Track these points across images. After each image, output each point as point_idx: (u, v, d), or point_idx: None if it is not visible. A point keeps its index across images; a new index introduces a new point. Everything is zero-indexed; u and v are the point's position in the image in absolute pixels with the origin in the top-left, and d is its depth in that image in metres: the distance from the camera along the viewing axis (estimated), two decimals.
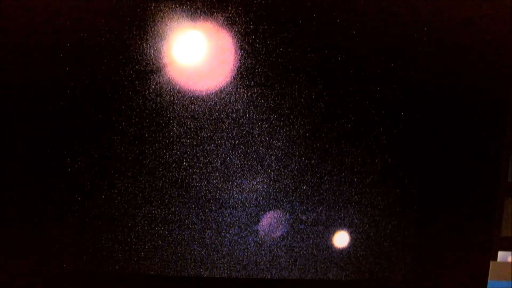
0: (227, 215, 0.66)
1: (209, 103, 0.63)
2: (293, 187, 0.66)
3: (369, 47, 0.62)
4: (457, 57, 0.63)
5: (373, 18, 0.61)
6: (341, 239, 0.68)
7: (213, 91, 0.62)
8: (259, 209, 0.66)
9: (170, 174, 0.64)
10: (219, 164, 0.64)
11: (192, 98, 0.62)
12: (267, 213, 0.66)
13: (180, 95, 0.62)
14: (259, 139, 0.64)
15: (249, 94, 0.63)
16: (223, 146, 0.64)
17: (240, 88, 0.62)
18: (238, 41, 0.61)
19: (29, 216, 0.65)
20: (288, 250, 0.68)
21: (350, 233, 0.68)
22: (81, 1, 0.59)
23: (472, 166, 0.66)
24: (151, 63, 0.61)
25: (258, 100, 0.63)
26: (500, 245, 0.71)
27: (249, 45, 0.61)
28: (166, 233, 0.66)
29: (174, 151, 0.64)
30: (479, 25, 0.62)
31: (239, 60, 0.62)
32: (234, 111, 0.63)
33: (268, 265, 0.68)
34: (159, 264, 0.67)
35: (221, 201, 0.65)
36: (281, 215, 0.66)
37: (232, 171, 0.65)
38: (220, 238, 0.67)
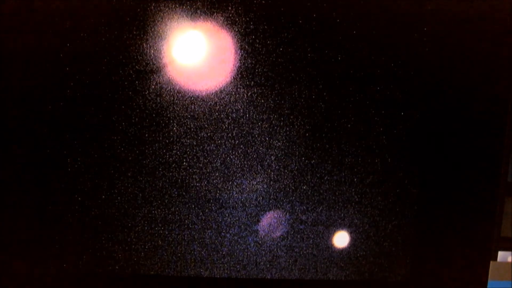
0: (227, 215, 0.66)
1: (209, 103, 0.63)
2: (293, 187, 0.66)
3: (369, 47, 0.62)
4: (457, 57, 0.63)
5: (373, 18, 0.61)
6: (341, 239, 0.68)
7: (213, 91, 0.62)
8: (259, 209, 0.66)
9: (170, 174, 0.64)
10: (219, 164, 0.64)
11: (192, 98, 0.62)
12: (267, 213, 0.66)
13: (180, 95, 0.62)
14: (259, 139, 0.64)
15: (249, 94, 0.63)
16: (223, 146, 0.64)
17: (240, 88, 0.62)
18: (238, 41, 0.61)
19: (29, 216, 0.65)
20: (288, 250, 0.68)
21: (350, 233, 0.68)
22: (81, 1, 0.59)
23: (472, 166, 0.66)
24: (151, 63, 0.61)
25: (258, 100, 0.63)
26: (500, 245, 0.71)
27: (249, 45, 0.61)
28: (166, 233, 0.66)
29: (174, 151, 0.64)
30: (479, 25, 0.62)
31: (239, 60, 0.62)
32: (234, 111, 0.63)
33: (268, 265, 0.68)
34: (159, 264, 0.67)
35: (221, 201, 0.65)
36: (281, 215, 0.66)
37: (232, 171, 0.65)
38: (220, 238, 0.67)
